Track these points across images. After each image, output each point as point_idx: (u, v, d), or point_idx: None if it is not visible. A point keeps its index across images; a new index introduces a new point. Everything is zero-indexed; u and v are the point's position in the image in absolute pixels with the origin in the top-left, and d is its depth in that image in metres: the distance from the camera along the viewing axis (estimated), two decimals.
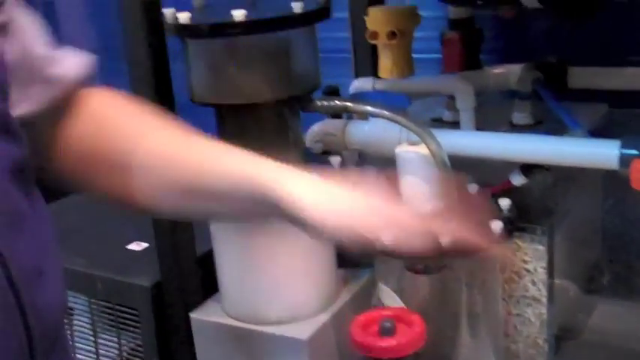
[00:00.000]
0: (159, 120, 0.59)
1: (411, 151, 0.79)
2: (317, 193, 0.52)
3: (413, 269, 0.80)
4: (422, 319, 0.73)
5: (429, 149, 0.77)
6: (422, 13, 0.99)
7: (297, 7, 0.74)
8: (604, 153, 0.75)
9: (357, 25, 1.10)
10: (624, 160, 0.73)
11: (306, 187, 0.52)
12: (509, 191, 0.83)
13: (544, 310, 0.84)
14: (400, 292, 0.79)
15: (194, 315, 0.84)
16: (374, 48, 1.00)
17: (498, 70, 0.98)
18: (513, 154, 0.81)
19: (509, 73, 0.96)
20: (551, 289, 0.84)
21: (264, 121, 0.79)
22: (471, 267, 0.80)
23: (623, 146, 0.74)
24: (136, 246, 0.96)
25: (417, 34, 1.00)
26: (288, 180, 0.52)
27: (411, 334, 0.72)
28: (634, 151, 0.73)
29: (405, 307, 0.78)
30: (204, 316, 0.84)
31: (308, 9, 0.75)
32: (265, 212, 0.54)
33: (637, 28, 1.09)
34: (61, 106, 0.57)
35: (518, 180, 0.83)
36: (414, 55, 1.01)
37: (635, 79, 0.98)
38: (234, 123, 0.80)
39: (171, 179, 0.56)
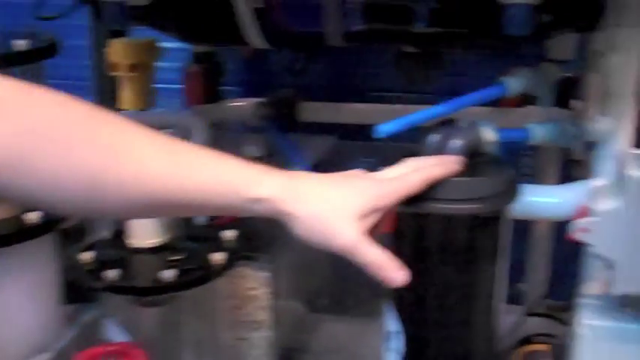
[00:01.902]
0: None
1: None
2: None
3: (140, 302, 0.82)
4: (144, 352, 0.74)
5: None
6: (167, 44, 1.01)
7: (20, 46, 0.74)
8: None
9: (99, 56, 1.09)
10: None
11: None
12: (236, 222, 0.87)
13: (269, 334, 0.89)
14: (127, 326, 0.80)
15: None
16: (115, 79, 1.00)
17: (234, 103, 1.03)
18: None
19: (243, 107, 1.02)
20: (275, 313, 0.89)
21: None
22: (196, 297, 0.83)
23: None
24: None
25: (162, 64, 1.02)
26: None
27: None
28: None
29: (129, 342, 0.79)
30: None
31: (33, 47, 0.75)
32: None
33: (369, 66, 1.20)
34: None
35: None
36: (159, 85, 1.02)
37: (360, 113, 1.08)
38: None
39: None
